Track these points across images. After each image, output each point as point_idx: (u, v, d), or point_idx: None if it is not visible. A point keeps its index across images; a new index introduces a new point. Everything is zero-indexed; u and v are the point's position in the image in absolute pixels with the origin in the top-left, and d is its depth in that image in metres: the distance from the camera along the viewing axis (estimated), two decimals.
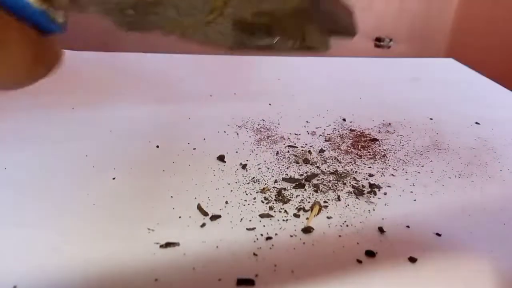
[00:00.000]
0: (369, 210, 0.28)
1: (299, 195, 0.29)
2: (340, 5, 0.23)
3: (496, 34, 0.71)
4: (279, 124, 0.38)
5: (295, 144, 0.35)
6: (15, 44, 0.14)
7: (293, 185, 0.30)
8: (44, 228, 0.24)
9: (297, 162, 0.32)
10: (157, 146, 0.33)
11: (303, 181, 0.30)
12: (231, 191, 0.29)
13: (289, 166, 0.32)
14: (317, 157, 0.33)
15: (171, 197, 0.28)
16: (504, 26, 0.70)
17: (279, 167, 0.32)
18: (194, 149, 0.33)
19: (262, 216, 0.26)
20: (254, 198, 0.28)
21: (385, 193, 0.30)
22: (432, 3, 0.75)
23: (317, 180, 0.30)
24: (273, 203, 0.28)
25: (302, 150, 0.34)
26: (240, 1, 0.21)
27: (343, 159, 0.33)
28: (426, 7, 0.75)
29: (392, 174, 0.32)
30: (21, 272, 0.21)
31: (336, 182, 0.30)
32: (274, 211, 0.27)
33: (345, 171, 0.32)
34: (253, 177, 0.30)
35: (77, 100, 0.39)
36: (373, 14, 0.75)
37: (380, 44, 0.74)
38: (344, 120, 0.40)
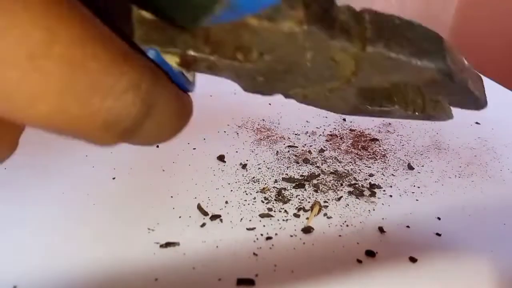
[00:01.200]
0: (369, 210, 0.28)
1: (299, 195, 0.29)
2: (474, 75, 0.21)
3: (496, 34, 0.71)
4: (279, 124, 0.38)
5: (295, 144, 0.35)
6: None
7: (293, 185, 0.30)
8: (44, 228, 0.24)
9: (297, 162, 0.32)
10: (157, 146, 0.33)
11: (303, 181, 0.30)
12: (231, 191, 0.29)
13: (289, 166, 0.32)
14: (317, 157, 0.33)
15: (171, 197, 0.28)
16: (505, 26, 0.70)
17: (279, 167, 0.32)
18: (194, 149, 0.33)
19: (262, 216, 0.26)
20: (254, 198, 0.28)
21: (385, 193, 0.30)
22: (432, 3, 0.75)
23: (317, 180, 0.30)
24: (273, 203, 0.28)
25: (302, 150, 0.34)
26: (370, 71, 0.19)
27: (343, 159, 0.33)
28: (426, 6, 0.75)
29: (393, 174, 0.32)
30: (21, 272, 0.22)
31: (336, 182, 0.30)
32: (274, 211, 0.27)
33: (345, 171, 0.32)
34: (253, 177, 0.30)
35: None
36: None
37: None
38: (344, 120, 0.40)
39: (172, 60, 0.17)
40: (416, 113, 0.21)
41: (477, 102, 0.22)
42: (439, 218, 0.28)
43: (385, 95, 0.21)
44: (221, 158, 0.32)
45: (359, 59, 0.18)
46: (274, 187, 0.29)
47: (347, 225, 0.26)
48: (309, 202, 0.28)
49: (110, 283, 0.21)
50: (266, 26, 0.17)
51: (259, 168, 0.31)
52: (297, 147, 0.35)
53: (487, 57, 0.71)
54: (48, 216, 0.25)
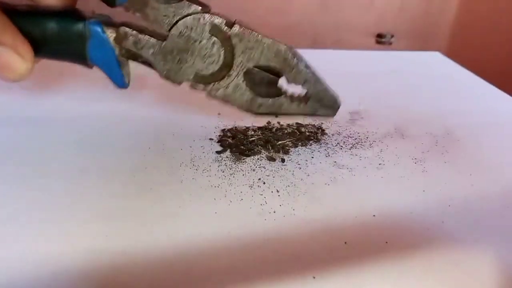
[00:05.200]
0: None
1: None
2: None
3: (497, 30, 0.71)
4: None
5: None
6: None
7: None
8: (48, 227, 0.24)
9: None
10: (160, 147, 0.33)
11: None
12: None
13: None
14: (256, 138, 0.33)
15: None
16: (506, 22, 0.69)
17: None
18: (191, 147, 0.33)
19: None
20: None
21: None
22: (433, 2, 0.75)
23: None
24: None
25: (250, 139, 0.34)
26: (243, 52, 0.28)
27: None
28: (427, 3, 0.75)
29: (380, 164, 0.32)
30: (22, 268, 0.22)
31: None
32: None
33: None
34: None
35: (77, 101, 0.39)
36: (375, 11, 0.75)
37: (381, 41, 0.74)
38: None
39: (111, 35, 0.25)
40: (302, 106, 0.30)
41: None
42: (437, 213, 0.28)
43: (270, 82, 0.29)
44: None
45: (230, 40, 0.27)
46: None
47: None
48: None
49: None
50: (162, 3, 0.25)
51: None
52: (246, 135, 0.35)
53: (488, 52, 0.71)
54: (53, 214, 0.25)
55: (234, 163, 0.31)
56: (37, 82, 0.40)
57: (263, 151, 0.33)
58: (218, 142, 0.34)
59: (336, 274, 0.23)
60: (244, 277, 0.22)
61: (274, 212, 0.27)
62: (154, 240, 0.24)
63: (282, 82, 0.29)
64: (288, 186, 0.29)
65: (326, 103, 0.30)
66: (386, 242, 0.25)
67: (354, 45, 0.76)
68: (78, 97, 0.39)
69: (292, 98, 0.30)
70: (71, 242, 0.24)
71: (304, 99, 0.30)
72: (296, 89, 0.29)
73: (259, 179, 0.30)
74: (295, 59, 0.28)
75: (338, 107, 0.31)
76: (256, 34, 0.27)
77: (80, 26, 0.25)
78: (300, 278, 0.23)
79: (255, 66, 0.28)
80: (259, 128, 0.36)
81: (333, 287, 0.22)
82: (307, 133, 0.36)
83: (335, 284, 0.22)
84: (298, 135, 0.35)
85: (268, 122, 0.37)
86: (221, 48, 0.27)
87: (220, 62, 0.27)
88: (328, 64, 0.53)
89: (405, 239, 0.26)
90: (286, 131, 0.35)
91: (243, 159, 0.32)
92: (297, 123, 0.37)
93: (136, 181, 0.29)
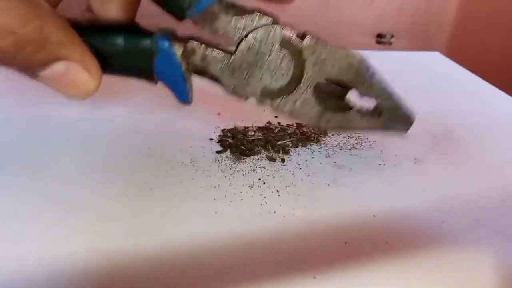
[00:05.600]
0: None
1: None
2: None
3: (497, 30, 0.71)
4: None
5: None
6: None
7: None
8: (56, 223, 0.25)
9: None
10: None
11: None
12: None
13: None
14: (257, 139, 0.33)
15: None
16: (506, 22, 0.69)
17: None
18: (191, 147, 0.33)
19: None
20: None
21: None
22: (433, 1, 0.75)
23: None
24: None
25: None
26: (313, 65, 0.26)
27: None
28: (427, 3, 0.75)
29: (381, 163, 0.32)
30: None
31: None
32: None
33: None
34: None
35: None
36: (374, 10, 0.75)
37: (382, 41, 0.74)
38: None
39: (179, 50, 0.24)
40: (373, 120, 0.28)
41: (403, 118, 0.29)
42: (436, 212, 0.28)
43: (339, 96, 0.28)
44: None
45: (301, 53, 0.25)
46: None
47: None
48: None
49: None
50: (232, 16, 0.24)
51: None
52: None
53: (489, 52, 0.70)
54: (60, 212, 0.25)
55: (234, 163, 0.31)
56: (37, 82, 0.40)
57: (263, 151, 0.33)
58: (218, 142, 0.34)
59: (336, 274, 0.23)
60: (244, 277, 0.22)
61: (274, 212, 0.27)
62: (154, 240, 0.24)
63: (350, 96, 0.28)
64: (288, 186, 0.29)
65: (399, 119, 0.29)
66: (386, 242, 0.25)
67: (354, 45, 0.76)
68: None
69: (362, 112, 0.28)
70: (71, 242, 0.24)
71: (376, 113, 0.28)
72: (366, 103, 0.28)
73: (259, 179, 0.30)
74: (368, 72, 0.27)
75: (412, 123, 0.29)
76: (329, 45, 0.26)
77: (147, 41, 0.23)
78: (300, 278, 0.23)
79: (326, 80, 0.26)
80: (259, 128, 0.36)
81: (333, 287, 0.22)
82: (307, 133, 0.36)
83: (335, 284, 0.22)
84: (298, 135, 0.35)
85: (269, 122, 0.37)
86: (291, 61, 0.26)
87: (289, 76, 0.26)
88: None
89: (405, 239, 0.26)
90: (286, 131, 0.35)
91: (243, 159, 0.32)
92: (297, 123, 0.37)
93: (136, 181, 0.29)
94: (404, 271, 0.24)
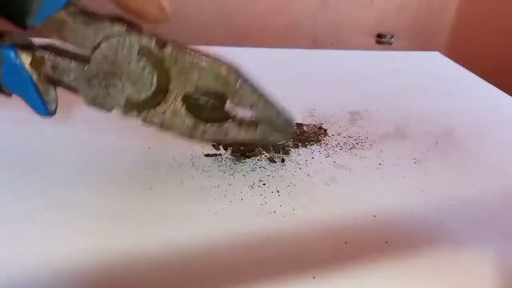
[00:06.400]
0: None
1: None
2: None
3: (497, 30, 0.71)
4: None
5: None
6: None
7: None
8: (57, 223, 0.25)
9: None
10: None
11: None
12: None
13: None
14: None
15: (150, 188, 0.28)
16: (506, 22, 0.69)
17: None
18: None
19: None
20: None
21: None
22: (433, 1, 0.75)
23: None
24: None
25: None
26: (177, 75, 0.25)
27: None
28: (427, 3, 0.75)
29: (380, 163, 0.32)
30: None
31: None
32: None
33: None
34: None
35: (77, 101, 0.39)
36: (374, 10, 0.75)
37: (382, 41, 0.74)
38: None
39: (26, 60, 0.23)
40: (251, 131, 0.27)
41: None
42: (436, 212, 0.28)
43: (215, 107, 0.26)
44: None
45: (163, 62, 0.24)
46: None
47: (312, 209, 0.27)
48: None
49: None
50: (80, 22, 0.23)
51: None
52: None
53: (489, 52, 0.70)
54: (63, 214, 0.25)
55: (234, 164, 0.31)
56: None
57: (263, 151, 0.33)
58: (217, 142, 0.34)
59: (336, 274, 0.23)
60: (244, 277, 0.22)
61: (274, 212, 0.27)
62: (154, 240, 0.24)
63: (230, 105, 0.27)
64: (288, 186, 0.29)
65: (278, 127, 0.27)
66: (386, 242, 0.25)
67: (354, 45, 0.76)
68: (79, 97, 0.39)
69: (240, 123, 0.27)
70: (71, 242, 0.24)
71: (254, 124, 0.27)
72: (247, 113, 0.27)
73: (260, 180, 0.30)
74: (238, 81, 0.25)
75: (293, 131, 0.28)
76: (193, 55, 0.24)
77: None
78: (300, 278, 0.23)
79: (195, 90, 0.25)
80: None
81: (333, 287, 0.22)
82: (308, 133, 0.36)
83: (335, 284, 0.22)
84: (299, 135, 0.35)
85: None
86: (154, 71, 0.24)
87: (154, 86, 0.25)
88: (328, 64, 0.54)
89: (405, 239, 0.26)
90: None
91: (243, 159, 0.32)
92: (297, 123, 0.37)
93: (136, 181, 0.29)
94: (404, 271, 0.24)
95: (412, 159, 0.34)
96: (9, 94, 0.24)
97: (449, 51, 0.66)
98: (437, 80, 0.51)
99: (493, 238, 0.27)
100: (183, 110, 0.26)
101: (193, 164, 0.31)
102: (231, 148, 0.33)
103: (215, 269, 0.23)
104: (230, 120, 0.27)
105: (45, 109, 0.25)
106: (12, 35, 0.23)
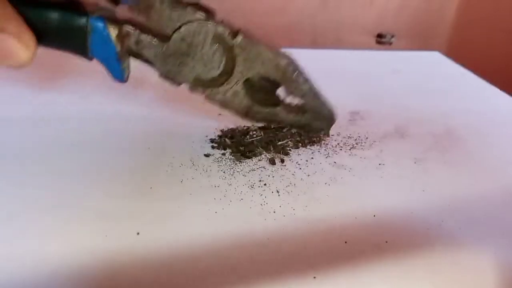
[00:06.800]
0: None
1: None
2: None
3: (497, 30, 0.71)
4: None
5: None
6: None
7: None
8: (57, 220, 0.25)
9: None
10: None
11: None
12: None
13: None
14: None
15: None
16: (506, 22, 0.69)
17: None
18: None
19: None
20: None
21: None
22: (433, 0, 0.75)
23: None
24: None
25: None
26: (244, 62, 0.28)
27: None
28: (427, 2, 0.75)
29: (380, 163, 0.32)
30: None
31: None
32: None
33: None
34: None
35: (78, 101, 0.39)
36: (374, 10, 0.75)
37: (382, 41, 0.74)
38: None
39: (114, 32, 0.26)
40: (298, 117, 0.31)
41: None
42: (434, 212, 0.28)
43: (269, 91, 0.30)
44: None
45: (233, 49, 0.27)
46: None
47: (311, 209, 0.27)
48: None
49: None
50: (166, 7, 0.26)
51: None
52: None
53: (489, 52, 0.70)
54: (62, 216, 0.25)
55: (234, 164, 0.31)
56: (37, 82, 0.40)
57: (263, 151, 0.33)
58: (218, 142, 0.34)
59: (336, 274, 0.23)
60: (244, 277, 0.22)
61: (274, 212, 0.27)
62: (154, 240, 0.24)
63: (281, 92, 0.30)
64: (288, 186, 0.29)
65: (322, 118, 0.31)
66: (386, 242, 0.25)
67: (354, 45, 0.76)
68: (79, 97, 0.39)
69: (289, 108, 0.30)
70: (71, 242, 0.24)
71: (302, 111, 0.31)
72: (295, 100, 0.30)
73: (260, 180, 0.30)
74: (295, 73, 0.28)
75: (333, 122, 0.32)
76: (259, 46, 0.28)
77: (82, 20, 0.25)
78: (300, 278, 0.23)
79: (256, 75, 0.28)
80: (260, 128, 0.36)
81: (333, 287, 0.22)
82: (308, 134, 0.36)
83: (335, 284, 0.22)
84: (299, 135, 0.35)
85: None
86: (223, 56, 0.27)
87: (221, 68, 0.28)
88: (328, 64, 0.54)
89: (405, 239, 0.26)
90: (286, 132, 0.35)
91: (243, 159, 0.32)
92: None
93: (136, 181, 0.29)
94: (404, 271, 0.24)
95: (412, 159, 0.34)
96: (90, 58, 0.27)
97: (449, 51, 0.66)
98: (437, 80, 0.51)
99: (493, 238, 0.27)
100: (242, 92, 0.29)
101: (193, 164, 0.31)
102: (231, 149, 0.33)
103: (215, 269, 0.23)
104: (281, 105, 0.30)
105: (121, 76, 0.27)
106: (102, 8, 0.26)
